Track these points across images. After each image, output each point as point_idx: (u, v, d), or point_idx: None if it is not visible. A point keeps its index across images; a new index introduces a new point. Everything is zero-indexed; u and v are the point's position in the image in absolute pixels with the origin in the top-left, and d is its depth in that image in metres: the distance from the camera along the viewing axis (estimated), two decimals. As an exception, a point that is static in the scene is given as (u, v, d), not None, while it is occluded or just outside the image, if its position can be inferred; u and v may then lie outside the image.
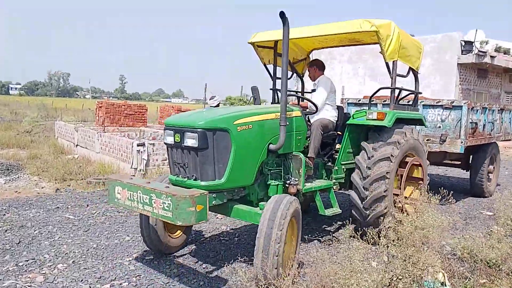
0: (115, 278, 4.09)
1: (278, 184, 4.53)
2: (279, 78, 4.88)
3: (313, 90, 5.61)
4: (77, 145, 13.69)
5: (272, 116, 4.39)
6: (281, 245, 3.58)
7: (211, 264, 4.53)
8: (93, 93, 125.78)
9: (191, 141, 3.88)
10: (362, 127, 5.44)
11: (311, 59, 6.09)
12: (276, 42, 5.58)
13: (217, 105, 8.27)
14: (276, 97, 5.90)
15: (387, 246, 4.37)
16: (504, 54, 17.96)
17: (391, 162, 5.02)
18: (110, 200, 4.03)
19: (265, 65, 5.86)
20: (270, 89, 5.92)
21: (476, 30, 16.61)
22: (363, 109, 5.39)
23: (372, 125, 5.21)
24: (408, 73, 5.81)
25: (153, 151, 9.89)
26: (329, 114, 5.43)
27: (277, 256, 3.55)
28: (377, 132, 5.23)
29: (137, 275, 4.16)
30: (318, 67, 5.63)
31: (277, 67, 5.78)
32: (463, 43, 16.94)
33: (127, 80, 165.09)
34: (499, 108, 8.28)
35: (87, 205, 6.74)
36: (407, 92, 6.01)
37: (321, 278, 3.78)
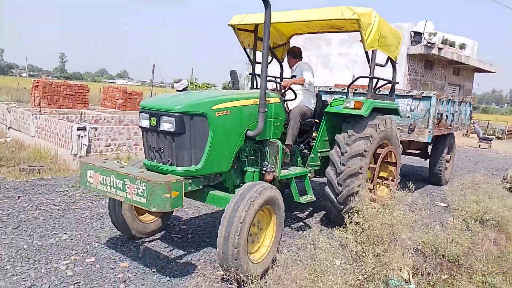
0: (49, 286, 3.52)
1: (255, 171, 4.51)
2: (259, 63, 4.91)
3: (292, 77, 5.46)
4: (9, 128, 12.44)
5: (251, 102, 4.30)
6: (241, 236, 3.47)
7: (169, 262, 4.08)
8: (30, 71, 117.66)
9: (167, 125, 3.78)
10: (339, 116, 5.39)
11: (290, 45, 6.13)
12: (256, 25, 5.51)
13: (184, 89, 7.80)
14: (255, 82, 5.84)
15: (353, 241, 4.19)
16: (450, 46, 18.56)
17: (365, 157, 5.05)
18: (81, 183, 3.94)
19: (244, 49, 5.79)
20: (249, 73, 5.85)
21: (426, 22, 16.96)
22: (341, 97, 5.36)
23: (348, 113, 5.20)
24: (386, 62, 5.78)
25: (95, 136, 9.10)
26: (307, 101, 5.36)
27: (236, 248, 3.44)
28: (352, 122, 5.24)
29: (76, 283, 3.61)
30: (291, 54, 5.65)
31: (257, 52, 5.63)
32: (413, 34, 17.25)
33: (67, 58, 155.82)
34: (459, 101, 8.60)
35: (19, 197, 5.95)
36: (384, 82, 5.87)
37: (287, 282, 3.48)
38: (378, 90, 5.89)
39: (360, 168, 4.99)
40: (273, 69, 5.73)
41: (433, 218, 6.30)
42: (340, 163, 5.04)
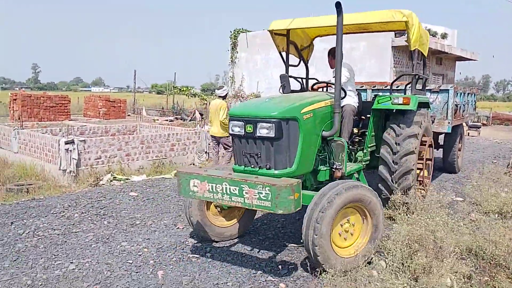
0: (65, 329, 3.10)
1: (326, 169, 4.65)
2: (292, 65, 5.75)
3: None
4: (-12, 145, 11.75)
5: (322, 104, 4.57)
6: (322, 223, 3.61)
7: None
8: (2, 84, 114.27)
9: (265, 131, 3.98)
10: (382, 112, 5.76)
11: (314, 46, 6.56)
12: (288, 30, 5.79)
13: (226, 95, 8.50)
14: (289, 84, 5.95)
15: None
16: (433, 36, 18.54)
17: (417, 139, 5.45)
18: (182, 193, 4.02)
19: (280, 52, 6.03)
20: (280, 75, 6.00)
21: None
22: (384, 94, 5.77)
23: (395, 109, 5.51)
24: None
25: (85, 149, 8.59)
26: (352, 100, 5.50)
27: (316, 234, 3.61)
28: (399, 116, 5.56)
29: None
30: (332, 55, 5.61)
31: (290, 55, 6.08)
32: (397, 26, 17.13)
33: (40, 69, 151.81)
34: (469, 92, 9.10)
35: (12, 223, 5.44)
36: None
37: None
38: (396, 86, 6.39)
39: (415, 148, 5.35)
40: (299, 70, 6.09)
41: (457, 216, 6.05)
42: (393, 161, 5.36)
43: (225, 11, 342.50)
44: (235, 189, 3.64)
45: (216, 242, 4.76)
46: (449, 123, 7.72)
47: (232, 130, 4.22)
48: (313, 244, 3.64)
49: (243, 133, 4.10)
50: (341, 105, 5.05)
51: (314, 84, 5.77)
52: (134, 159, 9.40)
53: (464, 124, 15.83)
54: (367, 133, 5.55)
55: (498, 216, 5.92)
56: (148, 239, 4.95)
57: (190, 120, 16.39)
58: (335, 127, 4.41)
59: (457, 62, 23.58)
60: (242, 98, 19.55)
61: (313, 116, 4.35)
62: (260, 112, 4.08)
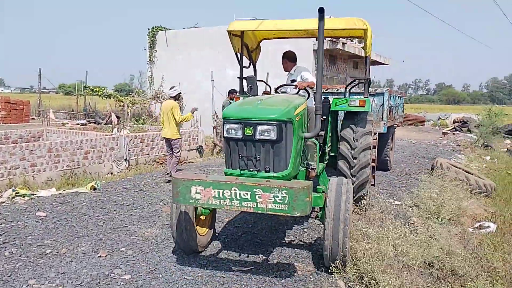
0: None
1: (304, 169, 4.68)
2: (245, 67, 6.05)
3: (293, 80, 5.58)
4: None
5: (304, 106, 4.71)
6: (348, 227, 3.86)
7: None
8: None
9: (266, 133, 3.97)
10: (336, 113, 6.27)
11: (261, 48, 6.76)
12: (242, 32, 5.87)
13: (177, 95, 8.35)
14: (247, 86, 5.94)
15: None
16: (351, 41, 19.13)
17: (372, 136, 5.87)
18: (182, 201, 3.78)
19: (236, 54, 6.10)
20: (238, 77, 6.15)
21: (330, 17, 17.15)
22: (340, 97, 5.97)
23: (349, 111, 5.84)
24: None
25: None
26: (313, 102, 5.63)
27: (346, 237, 3.83)
28: (354, 116, 5.89)
29: None
30: (288, 58, 5.81)
31: (244, 56, 6.19)
32: (318, 29, 17.36)
33: None
34: (399, 95, 9.43)
35: None
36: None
37: None
38: (337, 89, 6.89)
39: (370, 160, 5.69)
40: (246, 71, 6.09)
41: (396, 220, 5.91)
42: (353, 156, 5.67)
43: (141, 7, 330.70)
44: (247, 194, 3.55)
45: (199, 252, 4.58)
46: (384, 123, 8.28)
47: (228, 133, 4.09)
48: (343, 247, 3.87)
49: (241, 136, 4.02)
50: (308, 106, 5.17)
51: (279, 87, 5.62)
52: (41, 170, 8.13)
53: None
54: (326, 133, 5.85)
55: (439, 219, 5.91)
56: (63, 273, 4.06)
57: (105, 124, 15.00)
58: (317, 128, 4.43)
59: (371, 66, 24.73)
60: (163, 99, 18.52)
61: (300, 119, 4.47)
62: (261, 114, 4.02)
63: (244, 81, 6.03)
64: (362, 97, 5.95)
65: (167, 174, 8.22)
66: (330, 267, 4.00)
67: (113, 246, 4.79)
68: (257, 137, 3.97)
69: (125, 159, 10.06)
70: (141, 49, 19.88)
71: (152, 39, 19.39)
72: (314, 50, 17.75)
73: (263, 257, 4.56)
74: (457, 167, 8.66)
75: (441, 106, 60.14)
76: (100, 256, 4.49)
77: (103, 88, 21.03)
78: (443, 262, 4.13)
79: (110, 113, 15.24)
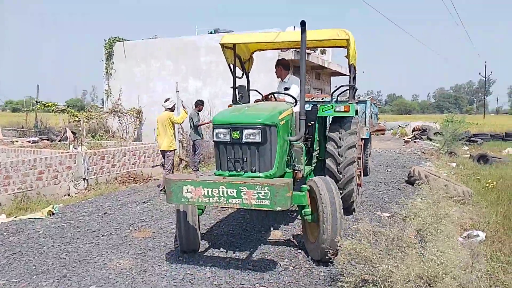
0: None
1: (290, 171, 4.98)
2: (238, 77, 6.59)
3: (286, 88, 5.91)
4: None
5: (289, 112, 5.01)
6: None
7: None
8: None
9: (252, 136, 4.34)
10: (324, 119, 6.67)
11: (253, 59, 7.24)
12: (234, 44, 6.25)
13: (173, 107, 8.68)
14: (238, 95, 6.39)
15: None
16: (314, 52, 19.11)
17: (357, 136, 6.11)
18: (174, 200, 4.06)
19: (229, 65, 6.46)
20: (231, 87, 6.55)
21: (294, 27, 17.03)
22: (325, 104, 6.25)
23: (335, 116, 6.16)
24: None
25: None
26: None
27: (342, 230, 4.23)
28: (340, 120, 6.14)
29: None
30: (282, 66, 6.14)
31: (237, 67, 6.62)
32: (282, 40, 17.18)
33: None
34: (377, 104, 9.62)
35: None
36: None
37: None
38: (321, 98, 7.20)
39: (355, 157, 5.93)
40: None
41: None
42: (339, 154, 5.90)
43: (94, 20, 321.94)
44: (233, 191, 3.84)
45: (196, 251, 4.81)
46: (367, 129, 8.81)
47: (217, 137, 4.46)
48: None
49: (229, 140, 4.39)
50: (295, 112, 5.39)
51: (268, 94, 5.91)
52: (-12, 195, 7.20)
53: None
54: (314, 137, 6.19)
55: (437, 232, 5.62)
56: (20, 323, 3.33)
57: (60, 141, 13.93)
58: (301, 132, 4.80)
59: (332, 77, 24.96)
60: (121, 113, 17.61)
61: (285, 123, 4.76)
62: (246, 119, 4.42)
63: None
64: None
65: (161, 190, 8.31)
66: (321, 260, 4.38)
67: (81, 283, 4.07)
68: (244, 140, 4.35)
69: (84, 179, 9.24)
70: (99, 60, 18.85)
71: (109, 50, 18.45)
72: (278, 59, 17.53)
73: (248, 254, 4.88)
74: (435, 175, 8.54)
75: (394, 116, 62.10)
76: (66, 297, 3.78)
77: (55, 104, 19.74)
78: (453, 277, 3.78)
79: (65, 128, 14.18)
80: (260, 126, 4.33)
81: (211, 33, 18.28)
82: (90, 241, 5.33)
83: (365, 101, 9.00)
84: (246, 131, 4.33)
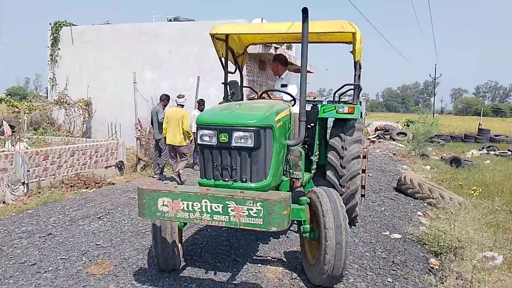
0: None
1: (287, 179, 4.45)
2: (230, 72, 6.00)
3: (283, 85, 5.43)
4: None
5: (287, 112, 4.48)
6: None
7: None
8: None
9: (243, 140, 3.74)
10: (325, 120, 5.94)
11: (247, 53, 6.68)
12: (227, 35, 5.69)
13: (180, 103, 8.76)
14: (230, 91, 5.89)
15: None
16: (280, 47, 18.19)
17: (361, 144, 5.53)
18: (147, 214, 3.40)
19: (220, 58, 5.89)
20: (222, 83, 6.00)
21: (262, 19, 15.97)
22: (327, 104, 5.61)
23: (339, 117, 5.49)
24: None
25: None
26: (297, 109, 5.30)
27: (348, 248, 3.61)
28: (343, 123, 5.51)
29: None
30: (280, 62, 5.65)
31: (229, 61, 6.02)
32: (249, 31, 16.12)
33: None
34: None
35: None
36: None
37: None
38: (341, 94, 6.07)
39: (359, 169, 5.35)
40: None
41: (409, 260, 4.66)
42: (341, 165, 5.30)
43: (38, 3, 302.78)
44: (218, 206, 3.23)
45: (176, 270, 4.17)
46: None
47: (202, 140, 3.84)
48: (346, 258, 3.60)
49: (216, 143, 3.78)
50: (293, 112, 4.88)
51: (264, 91, 5.41)
52: None
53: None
54: (313, 141, 5.56)
55: (456, 257, 4.80)
56: None
57: (-6, 136, 12.02)
58: (301, 135, 4.13)
59: (297, 73, 24.22)
60: (68, 104, 15.78)
61: (282, 125, 4.22)
62: (237, 119, 3.79)
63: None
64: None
65: (175, 172, 8.65)
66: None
67: None
68: (233, 144, 3.74)
69: (23, 183, 7.75)
70: (44, 46, 16.87)
71: (54, 35, 16.50)
72: (275, 54, 16.45)
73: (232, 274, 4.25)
74: (429, 184, 7.84)
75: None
76: None
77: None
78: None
79: (1, 121, 12.23)
80: (253, 128, 3.72)
81: (170, 20, 16.96)
82: (29, 281, 3.93)
83: (360, 101, 8.69)
84: (236, 134, 3.71)
